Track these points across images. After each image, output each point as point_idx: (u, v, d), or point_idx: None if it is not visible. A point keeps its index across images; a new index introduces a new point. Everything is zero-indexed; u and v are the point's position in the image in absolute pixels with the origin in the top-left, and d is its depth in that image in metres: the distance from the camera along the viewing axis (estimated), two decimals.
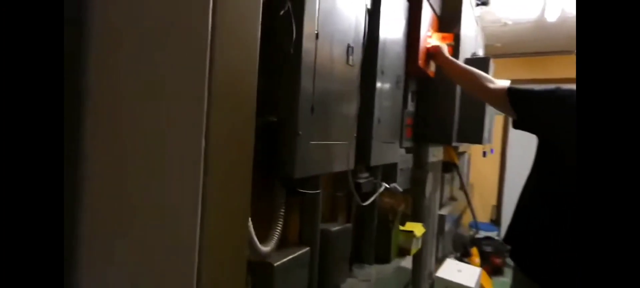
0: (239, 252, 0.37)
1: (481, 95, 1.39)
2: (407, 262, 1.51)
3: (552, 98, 1.08)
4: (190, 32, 0.30)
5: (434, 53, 1.51)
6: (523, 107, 1.14)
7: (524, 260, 1.07)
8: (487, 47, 3.33)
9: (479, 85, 1.29)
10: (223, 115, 0.32)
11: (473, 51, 2.13)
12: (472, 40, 2.16)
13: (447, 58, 1.45)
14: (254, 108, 0.38)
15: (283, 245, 0.84)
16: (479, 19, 2.55)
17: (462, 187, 3.15)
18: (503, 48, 3.75)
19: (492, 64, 1.98)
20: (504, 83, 1.25)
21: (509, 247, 1.14)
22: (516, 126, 1.16)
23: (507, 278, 3.39)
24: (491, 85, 1.25)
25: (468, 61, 1.91)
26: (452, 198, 3.14)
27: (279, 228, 0.76)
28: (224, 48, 0.32)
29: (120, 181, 0.29)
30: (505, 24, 3.16)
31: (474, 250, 3.35)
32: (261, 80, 0.76)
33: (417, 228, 1.52)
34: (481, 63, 1.90)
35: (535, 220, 1.05)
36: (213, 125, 0.31)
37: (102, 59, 0.28)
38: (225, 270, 0.35)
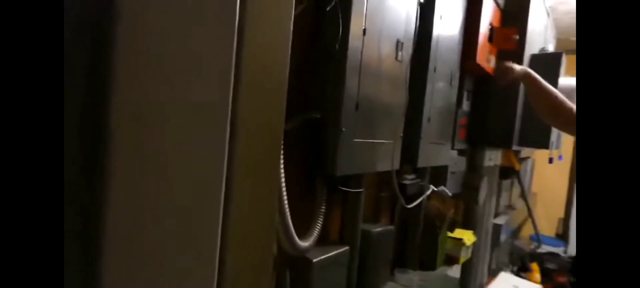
0: (266, 249, 0.37)
1: (556, 122, 1.15)
2: (454, 271, 1.42)
3: None
4: (217, 19, 0.30)
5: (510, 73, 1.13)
6: None
7: None
8: (560, 41, 2.99)
9: (558, 109, 1.04)
10: (251, 108, 0.32)
11: (542, 46, 1.92)
12: (540, 34, 1.95)
13: (531, 81, 1.09)
14: (284, 101, 0.37)
15: (323, 243, 0.84)
16: (551, 10, 2.29)
17: (523, 195, 2.88)
18: None
19: (564, 59, 1.77)
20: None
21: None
22: None
23: None
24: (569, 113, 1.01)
25: (535, 57, 1.73)
26: (511, 207, 2.89)
27: (319, 225, 0.76)
28: (254, 39, 0.32)
29: (144, 176, 0.30)
30: None
31: (534, 266, 3.06)
32: (307, 76, 0.77)
33: (467, 236, 1.42)
34: (551, 59, 1.71)
35: None
36: (240, 117, 0.31)
37: (127, 42, 0.29)
38: (249, 268, 0.35)
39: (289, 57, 0.36)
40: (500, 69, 1.14)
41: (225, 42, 0.29)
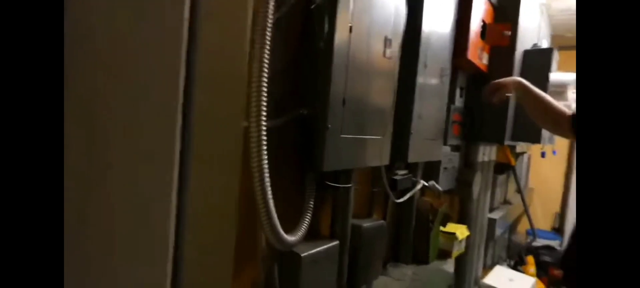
0: (226, 239, 0.38)
1: (550, 127, 1.16)
2: (448, 265, 1.44)
3: None
4: (165, 14, 0.29)
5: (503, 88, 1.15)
6: None
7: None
8: (554, 38, 3.00)
9: (551, 115, 1.06)
10: (205, 102, 0.32)
11: (535, 42, 1.93)
12: (533, 30, 1.96)
13: (524, 91, 1.12)
14: (242, 96, 0.37)
15: (314, 238, 0.85)
16: (545, 7, 2.30)
17: (519, 190, 2.90)
18: (573, 39, 3.35)
19: (555, 55, 1.78)
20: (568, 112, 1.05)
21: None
22: None
23: None
24: (560, 116, 1.03)
25: (527, 53, 1.74)
26: (507, 202, 2.90)
27: (307, 220, 0.78)
28: (208, 34, 0.32)
29: (100, 176, 0.30)
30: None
31: (530, 259, 3.08)
32: (296, 73, 0.78)
33: (460, 231, 1.44)
34: (543, 55, 1.72)
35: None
36: (194, 111, 0.31)
37: (77, 49, 0.29)
38: (207, 267, 0.36)
39: (247, 51, 0.37)
40: (491, 87, 1.15)
41: (174, 38, 0.29)
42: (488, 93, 1.17)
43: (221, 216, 0.37)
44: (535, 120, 1.17)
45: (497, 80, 1.16)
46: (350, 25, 0.77)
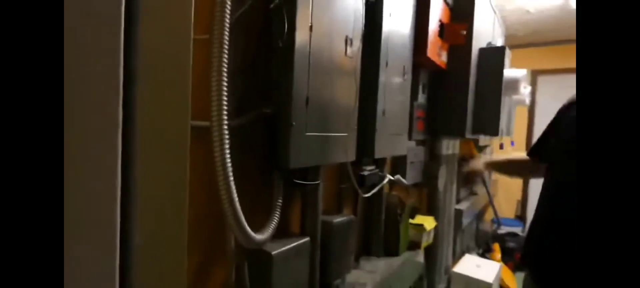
0: (178, 236, 0.38)
1: (523, 173, 1.46)
2: (419, 256, 1.49)
3: (553, 120, 1.11)
4: (99, 16, 0.29)
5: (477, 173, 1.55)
6: (546, 153, 1.13)
7: (538, 272, 1.05)
8: (508, 37, 3.20)
9: (515, 165, 1.33)
10: (147, 103, 0.32)
11: (489, 41, 2.06)
12: (488, 30, 2.09)
13: (493, 168, 1.48)
14: (187, 95, 0.37)
15: (284, 236, 0.86)
16: (497, 8, 2.46)
17: (483, 182, 3.06)
18: (526, 37, 3.59)
19: (508, 52, 1.91)
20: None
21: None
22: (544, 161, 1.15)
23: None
24: (523, 161, 1.26)
25: (482, 50, 1.85)
26: (473, 193, 3.05)
27: (276, 218, 0.78)
28: (147, 35, 0.32)
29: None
30: (528, 12, 3.02)
31: (496, 246, 3.25)
32: (257, 72, 0.78)
33: (428, 222, 1.50)
34: (496, 52, 1.84)
35: (546, 230, 1.03)
36: (135, 113, 0.31)
37: None
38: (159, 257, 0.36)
39: (191, 51, 0.38)
40: (468, 177, 1.60)
41: (110, 39, 0.30)
42: (467, 181, 1.54)
43: (172, 210, 0.37)
44: (515, 177, 1.50)
45: (468, 170, 1.58)
46: (310, 24, 0.79)
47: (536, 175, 1.21)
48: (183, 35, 0.36)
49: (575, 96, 1.05)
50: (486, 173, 1.54)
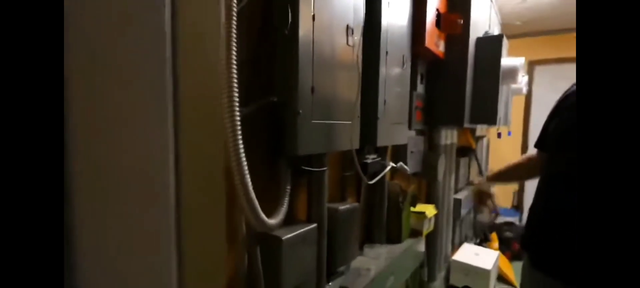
0: (218, 223, 0.40)
1: (530, 173, 1.39)
2: (420, 244, 1.52)
3: (553, 109, 1.12)
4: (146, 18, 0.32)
5: (486, 195, 1.54)
6: (546, 143, 1.14)
7: (538, 256, 1.07)
8: (505, 26, 3.23)
9: (525, 167, 1.32)
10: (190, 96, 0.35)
11: (486, 30, 2.07)
12: (484, 19, 2.11)
13: (496, 180, 1.48)
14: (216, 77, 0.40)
15: (292, 222, 0.88)
16: None
17: (480, 172, 3.10)
18: (523, 26, 3.61)
19: (505, 42, 1.93)
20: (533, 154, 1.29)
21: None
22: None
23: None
24: (530, 161, 1.28)
25: (480, 40, 1.87)
26: (471, 183, 3.09)
27: (286, 203, 0.80)
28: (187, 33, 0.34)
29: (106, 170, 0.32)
30: (525, 0, 3.04)
31: (493, 236, 3.30)
32: (262, 62, 0.80)
33: (429, 210, 1.52)
34: (493, 42, 1.86)
35: (545, 215, 1.05)
36: (181, 106, 0.34)
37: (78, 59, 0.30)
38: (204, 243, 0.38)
39: (221, 35, 0.40)
40: (481, 202, 1.56)
41: (159, 40, 0.31)
42: (479, 206, 1.56)
43: (212, 180, 0.39)
44: (516, 182, 1.49)
45: (479, 194, 1.56)
46: (312, 13, 0.80)
47: (534, 174, 1.22)
48: (215, 26, 0.38)
49: (574, 85, 1.07)
50: (493, 191, 1.52)
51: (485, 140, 3.40)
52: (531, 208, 1.12)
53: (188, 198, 0.35)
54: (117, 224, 0.33)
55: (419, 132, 1.74)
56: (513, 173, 1.39)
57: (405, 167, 1.36)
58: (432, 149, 1.86)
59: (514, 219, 3.77)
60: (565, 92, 1.11)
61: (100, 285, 0.31)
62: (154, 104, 0.33)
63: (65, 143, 0.29)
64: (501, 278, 2.85)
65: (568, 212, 0.96)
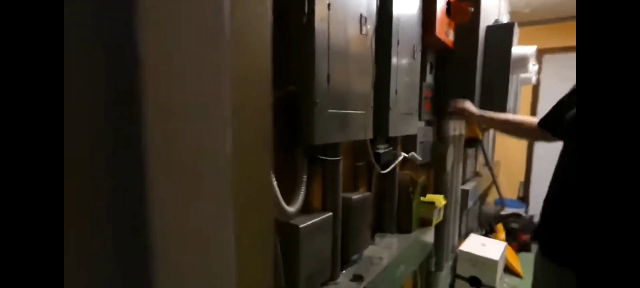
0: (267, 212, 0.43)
1: (519, 135, 1.44)
2: (429, 233, 1.52)
3: (568, 95, 1.11)
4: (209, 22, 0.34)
5: (463, 112, 1.56)
6: (559, 126, 1.13)
7: (549, 246, 1.07)
8: (513, 14, 3.18)
9: (514, 126, 1.36)
10: (241, 90, 0.37)
11: (496, 18, 2.05)
12: (494, 7, 2.08)
13: (478, 116, 1.50)
14: (268, 86, 0.42)
15: (307, 211, 0.89)
16: None
17: (486, 163, 3.09)
18: (531, 14, 3.56)
19: (516, 30, 1.90)
20: (533, 119, 1.31)
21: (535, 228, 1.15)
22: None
23: (534, 254, 3.33)
24: (526, 124, 1.31)
25: (490, 28, 1.85)
26: (477, 174, 3.09)
27: (303, 192, 0.81)
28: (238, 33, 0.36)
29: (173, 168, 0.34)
30: None
31: (499, 227, 3.30)
32: (278, 51, 0.80)
33: (438, 200, 1.53)
34: (504, 30, 1.84)
35: (559, 205, 1.05)
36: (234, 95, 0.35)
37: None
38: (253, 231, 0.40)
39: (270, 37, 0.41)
40: (457, 108, 1.58)
41: (218, 40, 0.33)
42: (451, 115, 1.61)
43: (260, 162, 0.41)
44: (508, 135, 1.49)
45: (454, 107, 1.61)
46: (328, 2, 0.80)
47: (523, 137, 1.23)
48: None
49: None
50: (474, 114, 1.55)
51: (491, 131, 3.39)
52: (546, 199, 1.11)
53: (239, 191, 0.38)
54: (187, 210, 0.35)
55: (428, 123, 1.74)
56: (504, 125, 1.40)
57: (417, 156, 1.36)
58: (440, 140, 1.86)
59: (520, 210, 3.77)
60: None
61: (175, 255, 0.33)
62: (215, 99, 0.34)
63: (143, 143, 0.30)
64: (507, 269, 2.86)
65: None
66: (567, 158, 1.04)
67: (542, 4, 3.32)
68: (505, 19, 2.39)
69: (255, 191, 0.40)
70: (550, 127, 1.18)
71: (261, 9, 0.41)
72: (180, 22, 0.32)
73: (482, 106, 1.85)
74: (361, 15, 0.95)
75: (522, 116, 1.39)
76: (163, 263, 0.32)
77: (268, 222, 0.43)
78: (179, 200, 0.33)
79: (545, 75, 3.95)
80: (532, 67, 1.88)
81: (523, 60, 1.83)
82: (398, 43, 1.19)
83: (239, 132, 0.36)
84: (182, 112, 0.32)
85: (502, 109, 1.93)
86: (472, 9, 1.59)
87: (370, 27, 1.00)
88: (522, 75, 1.96)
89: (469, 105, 1.54)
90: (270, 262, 0.44)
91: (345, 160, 1.15)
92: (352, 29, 0.92)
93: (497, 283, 2.13)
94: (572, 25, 3.61)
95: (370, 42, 1.00)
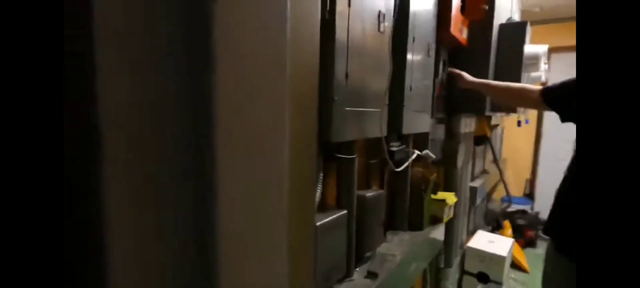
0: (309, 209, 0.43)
1: (521, 104, 1.43)
2: (439, 230, 1.52)
3: None
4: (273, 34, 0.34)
5: (459, 79, 1.53)
6: (560, 104, 1.14)
7: (562, 241, 1.07)
8: (524, 13, 3.14)
9: (515, 94, 1.33)
10: (295, 95, 0.38)
11: (508, 16, 2.03)
12: (506, 5, 2.05)
13: (473, 81, 1.47)
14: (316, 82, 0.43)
15: (323, 208, 0.89)
16: None
17: (494, 160, 3.08)
18: (542, 13, 3.52)
19: (529, 28, 1.88)
20: (536, 87, 1.28)
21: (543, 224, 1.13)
22: (563, 120, 1.15)
23: (540, 249, 3.32)
24: (527, 93, 1.28)
25: (503, 26, 1.83)
26: (485, 172, 3.08)
27: (319, 190, 0.81)
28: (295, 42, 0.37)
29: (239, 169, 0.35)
30: None
31: (506, 223, 3.29)
32: None
33: (449, 198, 1.52)
34: (517, 28, 1.82)
35: (573, 202, 1.04)
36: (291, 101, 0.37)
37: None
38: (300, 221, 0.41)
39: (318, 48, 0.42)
40: (453, 72, 1.54)
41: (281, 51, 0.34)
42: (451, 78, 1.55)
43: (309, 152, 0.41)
44: (504, 102, 1.40)
45: (458, 75, 1.54)
46: None
47: (522, 105, 1.19)
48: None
49: None
50: (467, 79, 1.50)
51: (499, 128, 3.36)
52: (557, 194, 1.11)
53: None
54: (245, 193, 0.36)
55: (439, 120, 1.73)
56: (504, 92, 1.36)
57: (431, 154, 1.36)
58: (451, 137, 1.85)
59: (526, 207, 3.76)
60: None
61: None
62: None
63: (212, 144, 0.31)
64: (513, 264, 2.86)
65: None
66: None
67: (552, 3, 3.28)
68: (516, 17, 2.36)
69: (304, 187, 0.40)
70: (550, 101, 1.16)
71: (312, 7, 0.42)
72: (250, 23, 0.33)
73: (493, 103, 1.83)
74: (379, 13, 0.94)
75: (522, 84, 1.36)
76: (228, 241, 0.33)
77: (310, 219, 0.44)
78: (243, 188, 0.34)
79: (552, 74, 3.91)
80: (543, 65, 1.86)
81: (535, 59, 1.81)
82: (413, 40, 1.18)
83: (293, 131, 0.37)
84: (249, 111, 0.33)
85: (513, 108, 1.91)
86: (487, 7, 1.58)
87: (387, 24, 0.99)
88: (533, 74, 1.94)
89: (465, 75, 1.51)
90: (312, 253, 0.45)
91: (358, 157, 1.15)
92: (370, 27, 0.91)
93: (504, 279, 2.13)
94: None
95: (387, 39, 1.00)
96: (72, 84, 0.27)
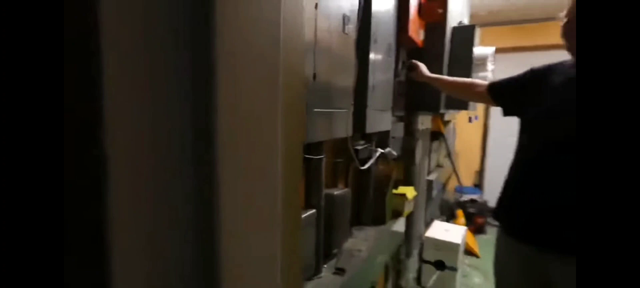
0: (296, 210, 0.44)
1: (469, 97, 1.56)
2: (400, 223, 1.60)
3: (525, 79, 1.19)
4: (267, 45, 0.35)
5: (416, 70, 1.60)
6: (503, 99, 1.26)
7: (510, 225, 1.17)
8: (473, 16, 3.37)
9: (465, 88, 1.44)
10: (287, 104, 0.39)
11: (460, 19, 2.17)
12: (457, 9, 2.19)
13: (428, 75, 1.56)
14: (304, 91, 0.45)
15: None
16: None
17: (449, 155, 3.28)
18: (489, 16, 3.80)
19: (477, 31, 2.03)
20: (484, 82, 1.39)
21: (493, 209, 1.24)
22: (505, 114, 1.27)
23: (489, 235, 3.62)
24: (475, 88, 1.39)
25: (455, 29, 1.95)
26: (439, 166, 3.27)
27: None
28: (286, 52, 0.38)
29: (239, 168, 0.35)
30: None
31: (459, 212, 3.54)
32: None
33: (409, 192, 1.61)
34: (467, 30, 1.95)
35: (521, 189, 1.13)
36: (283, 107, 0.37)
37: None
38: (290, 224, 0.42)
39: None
40: (413, 63, 1.60)
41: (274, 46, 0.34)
42: (409, 70, 1.62)
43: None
44: (451, 94, 1.60)
45: (411, 64, 1.62)
46: (316, 2, 0.80)
47: (470, 99, 1.35)
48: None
49: (554, 63, 1.13)
50: (424, 74, 1.59)
51: (452, 124, 3.59)
52: (506, 185, 1.20)
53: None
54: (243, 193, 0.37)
55: (399, 118, 1.81)
56: (453, 86, 1.49)
57: (393, 152, 1.42)
58: (410, 134, 1.95)
59: (476, 196, 4.07)
60: (541, 67, 1.15)
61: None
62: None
63: (214, 140, 0.31)
64: (466, 251, 3.09)
65: (547, 187, 1.04)
66: (529, 149, 1.12)
67: (498, 7, 3.56)
68: (465, 20, 2.53)
69: (292, 188, 0.41)
70: (494, 96, 1.29)
71: (298, 10, 0.43)
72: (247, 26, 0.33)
73: (447, 101, 1.96)
74: (344, 15, 0.97)
75: (471, 79, 1.52)
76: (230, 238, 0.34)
77: (297, 217, 0.45)
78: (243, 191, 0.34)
79: (498, 74, 4.25)
80: (490, 66, 2.01)
81: (483, 60, 1.95)
82: (376, 41, 1.23)
83: (285, 132, 0.37)
84: (247, 112, 0.33)
85: (465, 104, 2.06)
86: (442, 10, 1.67)
87: (352, 26, 1.01)
88: (481, 74, 2.10)
89: (423, 68, 1.60)
90: (299, 246, 0.46)
91: (325, 156, 1.17)
92: (336, 29, 0.93)
93: (459, 264, 2.30)
94: (522, 28, 3.92)
95: (352, 41, 1.02)
96: (72, 83, 0.26)
